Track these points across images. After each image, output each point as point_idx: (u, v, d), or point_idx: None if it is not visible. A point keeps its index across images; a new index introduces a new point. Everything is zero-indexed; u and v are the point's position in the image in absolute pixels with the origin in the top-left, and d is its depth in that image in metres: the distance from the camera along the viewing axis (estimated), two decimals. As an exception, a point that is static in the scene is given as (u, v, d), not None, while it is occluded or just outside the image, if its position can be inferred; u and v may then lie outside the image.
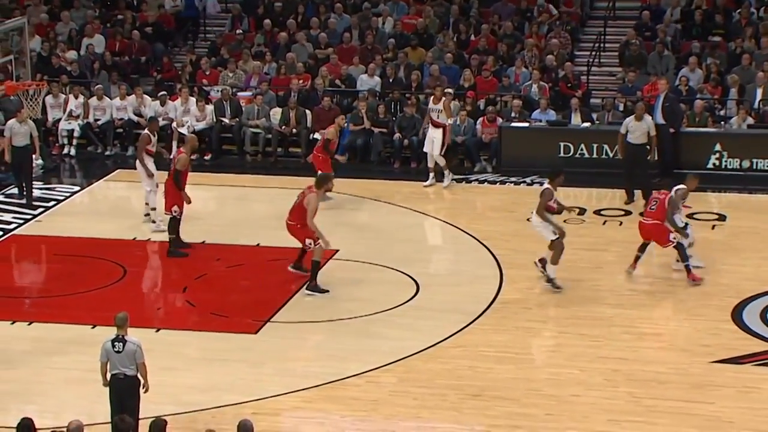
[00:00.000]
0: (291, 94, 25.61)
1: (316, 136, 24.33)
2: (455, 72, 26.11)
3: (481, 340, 16.09)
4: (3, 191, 22.15)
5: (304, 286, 17.67)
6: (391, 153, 24.68)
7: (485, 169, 24.03)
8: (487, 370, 15.17)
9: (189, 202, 19.30)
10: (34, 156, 22.53)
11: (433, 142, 22.52)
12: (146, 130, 20.98)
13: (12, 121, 22.00)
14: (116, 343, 12.77)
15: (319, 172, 20.53)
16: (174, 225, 19.27)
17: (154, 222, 20.38)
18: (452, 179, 22.83)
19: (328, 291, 17.67)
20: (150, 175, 20.35)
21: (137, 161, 20.61)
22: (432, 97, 22.91)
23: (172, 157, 20.10)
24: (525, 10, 28.33)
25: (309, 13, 28.86)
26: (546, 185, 17.77)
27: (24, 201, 21.79)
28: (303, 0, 29.08)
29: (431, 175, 22.77)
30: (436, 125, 22.58)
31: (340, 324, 16.73)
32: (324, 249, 17.66)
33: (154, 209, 20.42)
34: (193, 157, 24.79)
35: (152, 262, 19.36)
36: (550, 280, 17.72)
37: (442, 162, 22.65)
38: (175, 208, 19.20)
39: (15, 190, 22.32)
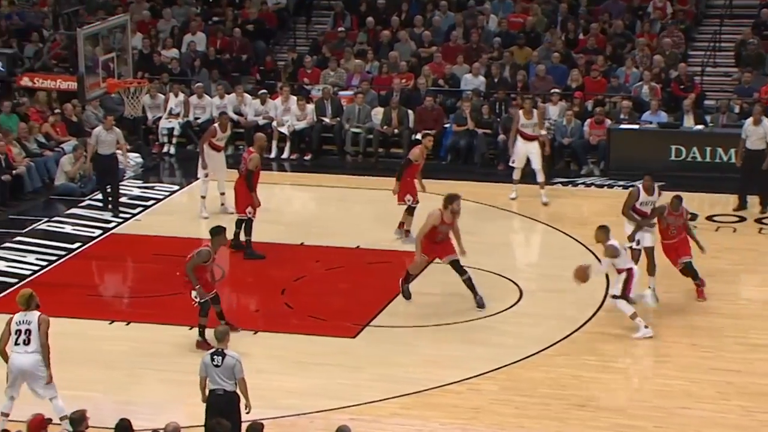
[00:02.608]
0: (393, 93, 25.35)
1: (418, 136, 24.01)
2: (562, 72, 25.62)
3: (586, 348, 15.79)
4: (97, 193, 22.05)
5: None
6: (495, 155, 24.27)
7: (592, 172, 23.59)
8: (591, 380, 14.87)
9: (259, 204, 19.08)
10: (130, 156, 22.51)
11: (529, 156, 21.37)
12: (215, 123, 21.34)
13: (98, 129, 21.79)
14: (215, 357, 12.65)
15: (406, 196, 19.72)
16: (249, 227, 19.09)
17: (222, 204, 20.97)
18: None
19: (409, 298, 17.31)
20: (204, 167, 20.82)
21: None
22: (521, 111, 21.52)
23: (242, 157, 19.81)
24: (637, 8, 27.70)
25: (413, 10, 28.56)
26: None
27: (110, 211, 21.43)
28: (407, -3, 28.83)
29: (516, 188, 21.79)
30: (530, 138, 21.36)
31: (441, 330, 16.50)
32: (420, 265, 17.27)
33: (203, 197, 20.87)
34: (293, 157, 24.98)
35: (250, 263, 19.14)
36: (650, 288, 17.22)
37: (541, 178, 21.53)
38: (249, 209, 19.04)
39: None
